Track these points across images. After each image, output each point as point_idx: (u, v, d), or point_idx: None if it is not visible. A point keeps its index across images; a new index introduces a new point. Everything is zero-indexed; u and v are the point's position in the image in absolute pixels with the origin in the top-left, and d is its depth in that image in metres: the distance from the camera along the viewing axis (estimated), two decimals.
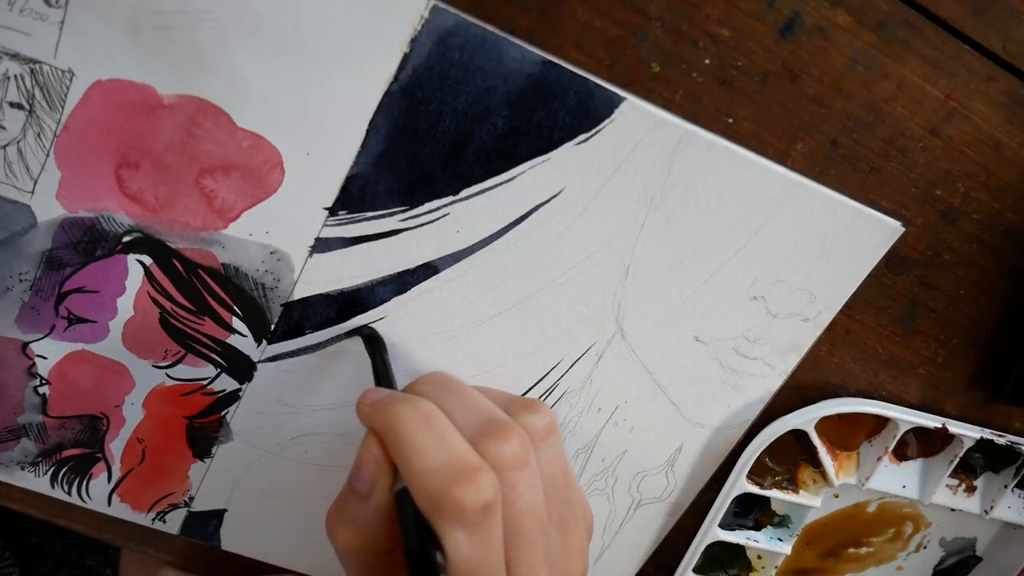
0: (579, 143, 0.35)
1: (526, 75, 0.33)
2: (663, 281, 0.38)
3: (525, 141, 0.34)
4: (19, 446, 0.37)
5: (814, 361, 0.42)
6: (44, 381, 0.36)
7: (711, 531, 0.45)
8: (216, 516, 0.40)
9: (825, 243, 0.39)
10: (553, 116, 0.34)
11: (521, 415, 0.31)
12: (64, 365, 0.36)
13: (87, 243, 0.34)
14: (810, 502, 0.45)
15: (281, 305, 0.36)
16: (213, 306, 0.36)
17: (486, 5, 0.32)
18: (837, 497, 0.48)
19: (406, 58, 0.32)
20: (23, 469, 0.38)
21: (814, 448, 0.44)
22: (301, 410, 0.38)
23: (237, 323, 0.36)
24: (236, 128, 0.32)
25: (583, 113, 0.34)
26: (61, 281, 0.34)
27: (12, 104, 0.31)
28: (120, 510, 0.39)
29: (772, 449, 0.43)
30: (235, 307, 0.36)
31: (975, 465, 0.48)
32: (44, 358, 0.36)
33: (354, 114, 0.33)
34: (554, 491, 0.31)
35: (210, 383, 0.37)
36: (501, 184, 0.35)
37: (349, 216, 0.35)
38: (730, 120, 0.36)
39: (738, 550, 0.48)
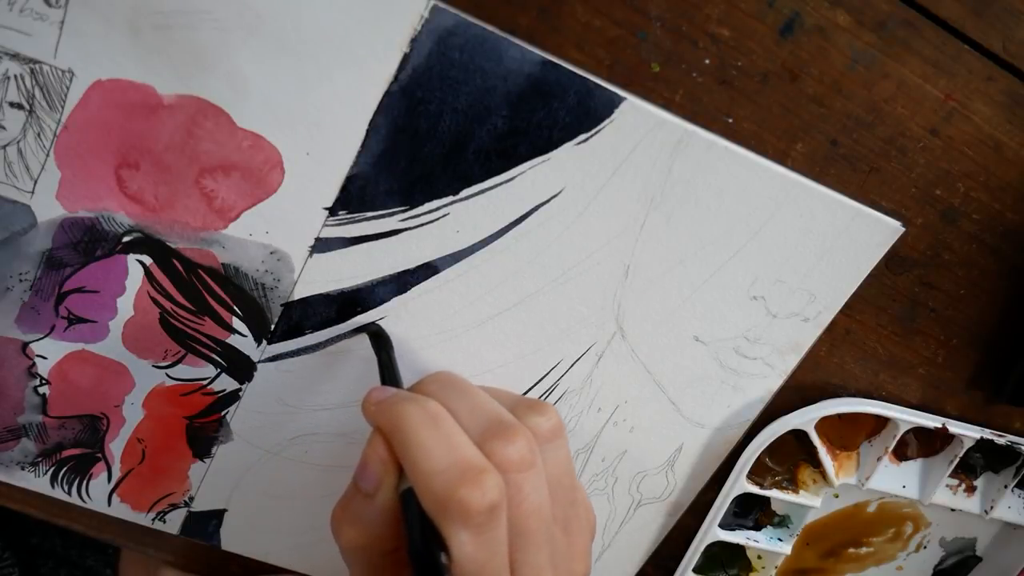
0: (579, 143, 0.35)
1: (526, 75, 0.33)
2: (663, 281, 0.38)
3: (525, 141, 0.34)
4: (19, 446, 0.37)
5: (814, 361, 0.42)
6: (44, 381, 0.36)
7: (711, 531, 0.45)
8: (216, 516, 0.40)
9: (825, 243, 0.39)
10: (553, 116, 0.34)
11: (527, 416, 0.31)
12: (64, 365, 0.36)
13: (87, 243, 0.34)
14: (810, 502, 0.45)
15: (281, 305, 0.36)
16: (213, 306, 0.36)
17: (486, 5, 0.32)
18: (837, 497, 0.48)
19: (406, 58, 0.32)
20: (23, 469, 0.38)
21: (814, 448, 0.44)
22: (301, 410, 0.38)
23: (237, 323, 0.36)
24: (236, 128, 0.32)
25: (583, 113, 0.34)
26: (61, 281, 0.34)
27: (12, 104, 0.31)
28: (120, 510, 0.39)
29: (772, 449, 0.43)
30: (235, 307, 0.36)
31: (975, 465, 0.48)
32: (44, 358, 0.36)
33: (354, 114, 0.33)
34: (559, 492, 0.31)
35: (210, 383, 0.37)
36: (501, 184, 0.35)
37: (349, 216, 0.35)
38: (730, 120, 0.36)
39: (738, 550, 0.48)
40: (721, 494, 0.44)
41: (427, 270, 0.36)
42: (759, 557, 0.48)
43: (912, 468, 0.47)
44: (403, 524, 0.29)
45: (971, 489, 0.48)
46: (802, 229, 0.38)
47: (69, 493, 0.39)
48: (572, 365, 0.40)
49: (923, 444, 0.47)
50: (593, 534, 0.34)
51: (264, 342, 0.37)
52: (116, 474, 0.39)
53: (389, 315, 0.37)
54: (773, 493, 0.45)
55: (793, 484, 0.46)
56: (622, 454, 0.43)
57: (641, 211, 0.37)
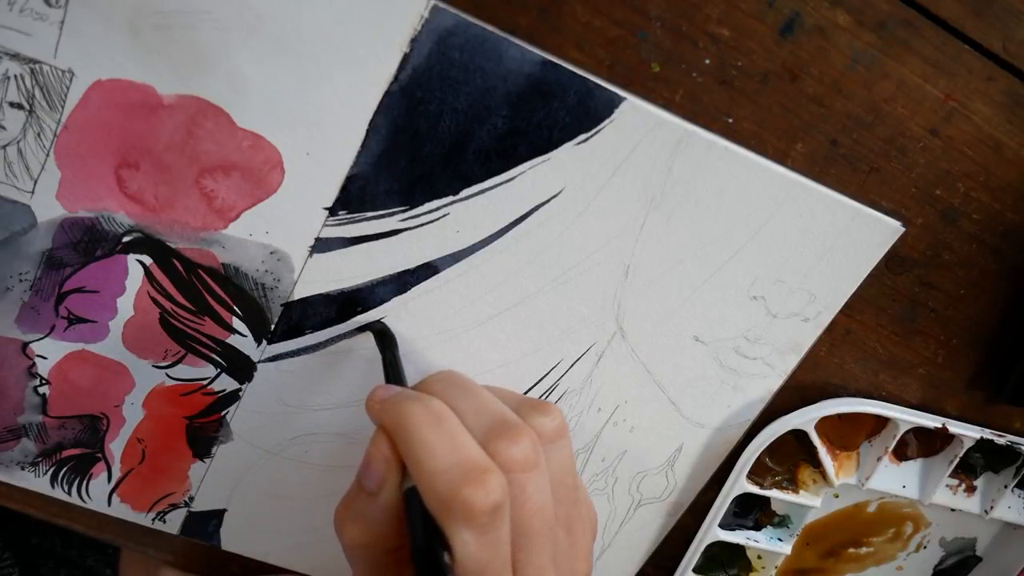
0: (579, 143, 0.35)
1: (526, 75, 0.33)
2: (663, 281, 0.38)
3: (525, 141, 0.34)
4: (19, 446, 0.37)
5: (814, 361, 0.42)
6: (44, 381, 0.36)
7: (711, 531, 0.45)
8: (216, 516, 0.40)
9: (825, 243, 0.39)
10: (553, 116, 0.34)
11: (531, 416, 0.31)
12: (64, 365, 0.36)
13: (87, 243, 0.34)
14: (810, 502, 0.45)
15: (281, 305, 0.36)
16: (213, 306, 0.36)
17: (486, 5, 0.32)
18: (837, 497, 0.48)
19: (406, 58, 0.32)
20: (23, 469, 0.38)
21: (814, 448, 0.44)
22: (301, 410, 0.38)
23: (237, 323, 0.36)
24: (236, 128, 0.32)
25: (583, 113, 0.34)
26: (61, 281, 0.34)
27: (12, 104, 0.31)
28: (120, 510, 0.39)
29: (772, 449, 0.43)
30: (235, 307, 0.36)
31: (975, 465, 0.48)
32: (44, 358, 0.36)
33: (354, 114, 0.33)
34: (562, 492, 0.31)
35: (210, 383, 0.37)
36: (501, 184, 0.35)
37: (349, 216, 0.35)
38: (730, 120, 0.36)
39: (738, 550, 0.48)
40: (721, 494, 0.44)
41: (427, 270, 0.36)
42: (759, 557, 0.48)
43: (912, 468, 0.47)
44: (406, 523, 0.29)
45: (971, 489, 0.48)
46: (802, 229, 0.38)
47: (69, 493, 0.39)
48: (572, 365, 0.40)
49: (923, 444, 0.47)
50: (595, 534, 0.34)
51: (264, 342, 0.37)
52: (116, 474, 0.39)
53: (389, 315, 0.37)
54: (773, 493, 0.45)
55: (793, 484, 0.46)
56: (622, 454, 0.43)
57: (641, 211, 0.37)
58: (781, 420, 0.43)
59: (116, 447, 0.38)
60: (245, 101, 0.32)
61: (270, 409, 0.38)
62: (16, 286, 0.34)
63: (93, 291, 0.35)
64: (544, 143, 0.34)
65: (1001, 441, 0.46)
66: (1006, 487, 0.48)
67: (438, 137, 0.34)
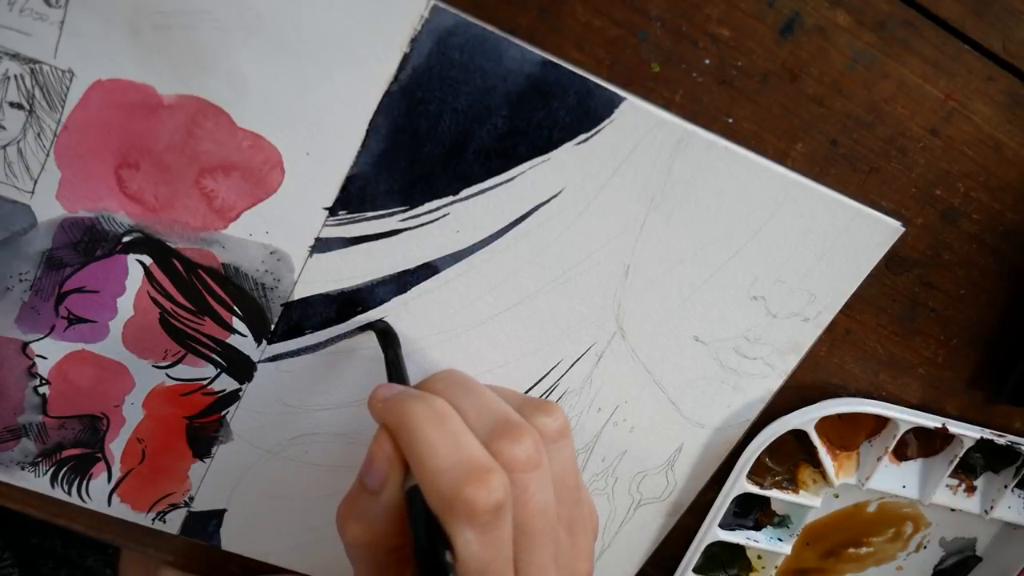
0: (579, 143, 0.35)
1: (526, 75, 0.33)
2: (663, 281, 0.38)
3: (525, 141, 0.34)
4: (19, 446, 0.37)
5: (814, 361, 0.42)
6: (44, 381, 0.36)
7: (711, 531, 0.45)
8: (216, 516, 0.40)
9: (825, 243, 0.39)
10: (553, 116, 0.34)
11: (534, 416, 0.31)
12: (64, 365, 0.36)
13: (87, 243, 0.34)
14: (810, 502, 0.45)
15: (281, 305, 0.36)
16: (213, 306, 0.36)
17: (486, 5, 0.32)
18: (837, 497, 0.48)
19: (406, 58, 0.32)
20: (23, 469, 0.38)
21: (814, 448, 0.44)
22: (301, 410, 0.38)
23: (237, 323, 0.36)
24: (236, 128, 0.32)
25: (583, 113, 0.34)
26: (61, 281, 0.34)
27: (12, 104, 0.31)
28: (120, 510, 0.39)
29: (772, 449, 0.43)
30: (235, 307, 0.36)
31: (975, 465, 0.48)
32: (44, 358, 0.36)
33: (354, 114, 0.33)
34: (564, 492, 0.31)
35: (210, 383, 0.37)
36: (501, 184, 0.35)
37: (349, 216, 0.35)
38: (730, 120, 0.36)
39: (738, 550, 0.48)
40: (721, 494, 0.44)
41: (427, 270, 0.36)
42: (759, 557, 0.48)
43: (912, 468, 0.47)
44: (408, 522, 0.29)
45: (971, 489, 0.48)
46: (802, 229, 0.38)
47: (69, 493, 0.39)
48: (572, 365, 0.40)
49: (923, 444, 0.47)
50: (596, 534, 0.34)
51: (264, 342, 0.37)
52: (116, 474, 0.39)
53: (389, 315, 0.37)
54: (773, 493, 0.45)
55: (793, 484, 0.46)
56: (622, 454, 0.43)
57: (641, 211, 0.37)
58: (781, 420, 0.43)
59: (116, 447, 0.38)
60: (245, 101, 0.32)
61: (270, 409, 0.38)
62: (16, 286, 0.34)
63: (93, 291, 0.35)
64: (544, 143, 0.34)
65: (1001, 441, 0.46)
66: (1006, 487, 0.48)
67: (438, 137, 0.34)
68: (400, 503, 0.29)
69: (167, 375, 0.37)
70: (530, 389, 0.40)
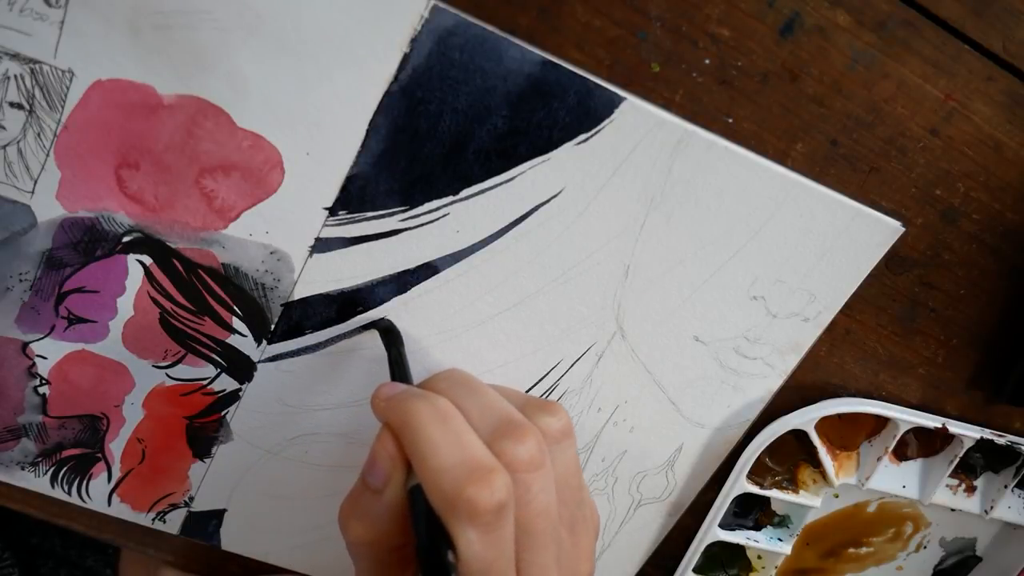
0: (579, 143, 0.35)
1: (526, 75, 0.33)
2: (663, 281, 0.38)
3: (525, 141, 0.34)
4: (19, 446, 0.37)
5: (814, 361, 0.42)
6: (44, 381, 0.36)
7: (711, 531, 0.45)
8: (216, 516, 0.40)
9: (825, 243, 0.39)
10: (553, 116, 0.34)
11: (538, 416, 0.31)
12: (64, 365, 0.36)
13: (87, 243, 0.34)
14: (810, 502, 0.45)
15: (281, 305, 0.36)
16: (213, 306, 0.36)
17: (486, 5, 0.32)
18: (837, 497, 0.48)
19: (406, 58, 0.32)
20: (23, 469, 0.38)
21: (814, 448, 0.44)
22: (301, 410, 0.38)
23: (237, 323, 0.36)
24: (236, 128, 0.32)
25: (583, 113, 0.34)
26: (61, 281, 0.34)
27: (12, 104, 0.31)
28: (120, 510, 0.39)
29: (772, 449, 0.43)
30: (235, 307, 0.36)
31: (975, 465, 0.48)
32: (44, 358, 0.36)
33: (354, 114, 0.33)
34: (567, 493, 0.31)
35: (210, 383, 0.37)
36: (501, 184, 0.35)
37: (349, 216, 0.35)
38: (730, 120, 0.36)
39: (738, 550, 0.48)
40: (721, 494, 0.44)
41: (427, 270, 0.36)
42: (759, 557, 0.48)
43: (912, 468, 0.47)
44: (410, 521, 0.29)
45: (971, 489, 0.48)
46: (802, 229, 0.38)
47: (69, 493, 0.39)
48: (572, 365, 0.40)
49: (923, 444, 0.47)
50: (598, 534, 0.34)
51: (264, 342, 0.37)
52: (116, 474, 0.39)
53: (389, 315, 0.37)
54: (773, 493, 0.45)
55: (793, 484, 0.46)
56: (622, 454, 0.43)
57: (641, 211, 0.37)
58: (781, 420, 0.43)
59: (116, 447, 0.38)
60: (245, 101, 0.32)
61: (270, 409, 0.38)
62: (16, 286, 0.34)
63: (93, 291, 0.35)
64: (544, 143, 0.34)
65: (1001, 441, 0.46)
66: (1006, 487, 0.48)
67: (438, 137, 0.34)
68: (403, 502, 0.29)
69: (167, 375, 0.37)
70: (530, 389, 0.40)
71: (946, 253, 0.41)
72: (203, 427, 0.38)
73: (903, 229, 0.39)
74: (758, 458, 0.43)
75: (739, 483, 0.43)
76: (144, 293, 0.35)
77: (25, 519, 0.41)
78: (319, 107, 0.32)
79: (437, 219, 0.35)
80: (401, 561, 0.30)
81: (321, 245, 0.35)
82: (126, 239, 0.34)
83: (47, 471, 0.38)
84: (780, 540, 0.47)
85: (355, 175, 0.34)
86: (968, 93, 0.37)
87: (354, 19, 0.31)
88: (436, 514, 0.27)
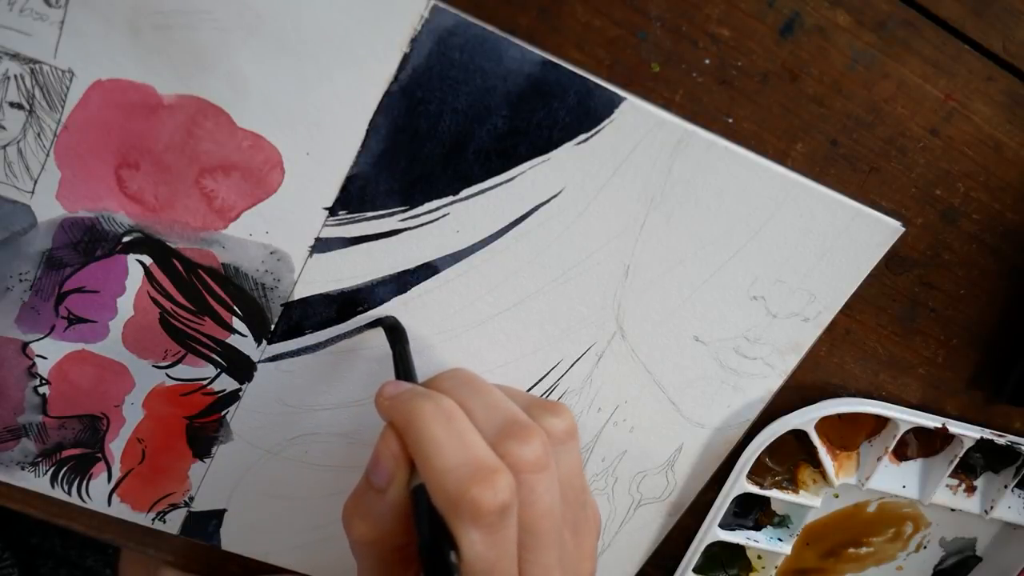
0: (579, 143, 0.35)
1: (526, 75, 0.33)
2: (663, 281, 0.38)
3: (525, 141, 0.34)
4: (19, 446, 0.37)
5: (814, 361, 0.42)
6: (44, 381, 0.36)
7: (711, 531, 0.45)
8: (216, 516, 0.40)
9: (825, 243, 0.39)
10: (553, 116, 0.34)
11: (542, 417, 0.31)
12: (64, 365, 0.36)
13: (87, 243, 0.34)
14: (810, 502, 0.45)
15: (281, 305, 0.36)
16: (213, 306, 0.36)
17: (486, 5, 0.32)
18: (837, 497, 0.48)
19: (406, 58, 0.32)
20: (23, 469, 0.38)
21: (814, 448, 0.44)
22: (301, 410, 0.38)
23: (237, 323, 0.36)
24: (236, 128, 0.32)
25: (583, 113, 0.34)
26: (61, 281, 0.34)
27: (12, 104, 0.31)
28: (120, 510, 0.39)
29: (772, 449, 0.43)
30: (235, 307, 0.36)
31: (975, 465, 0.48)
32: (44, 358, 0.36)
33: (354, 114, 0.33)
34: (570, 494, 0.31)
35: (210, 383, 0.37)
36: (501, 184, 0.35)
37: (349, 216, 0.35)
38: (730, 120, 0.36)
39: (738, 550, 0.48)
40: (721, 494, 0.44)
41: (427, 270, 0.36)
42: (759, 557, 0.48)
43: (912, 468, 0.47)
44: (414, 520, 0.29)
45: (971, 489, 0.48)
46: (802, 229, 0.38)
47: (69, 493, 0.39)
48: (572, 365, 0.40)
49: (923, 444, 0.47)
50: (599, 534, 0.34)
51: (264, 342, 0.37)
52: (116, 474, 0.39)
53: (389, 315, 0.37)
54: (773, 493, 0.45)
55: (793, 484, 0.46)
56: (622, 454, 0.43)
57: (641, 211, 0.37)
58: (781, 420, 0.43)
59: (116, 447, 0.38)
60: (245, 101, 0.32)
61: (270, 409, 0.38)
62: (16, 286, 0.34)
63: (93, 291, 0.35)
64: (544, 143, 0.34)
65: (1001, 441, 0.46)
66: (1006, 487, 0.48)
67: (438, 137, 0.34)
68: (406, 501, 0.29)
69: (167, 375, 0.37)
70: (530, 389, 0.40)
71: (946, 253, 0.41)
72: (203, 427, 0.38)
73: (903, 229, 0.39)
74: (758, 458, 0.43)
75: (739, 483, 0.43)
76: (144, 293, 0.35)
77: (25, 519, 0.41)
78: (319, 107, 0.32)
79: (437, 219, 0.35)
80: (404, 560, 0.30)
81: (321, 245, 0.35)
82: (126, 239, 0.34)
83: (47, 471, 0.38)
84: (780, 540, 0.47)
85: (355, 175, 0.34)
86: (968, 93, 0.37)
87: (354, 19, 0.31)
88: (439, 514, 0.27)
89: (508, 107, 0.33)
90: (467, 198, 0.35)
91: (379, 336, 0.37)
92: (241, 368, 0.37)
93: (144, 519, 0.40)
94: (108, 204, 0.33)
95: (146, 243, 0.34)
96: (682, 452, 0.43)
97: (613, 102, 0.34)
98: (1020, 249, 0.41)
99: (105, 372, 0.36)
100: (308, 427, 0.39)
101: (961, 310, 0.43)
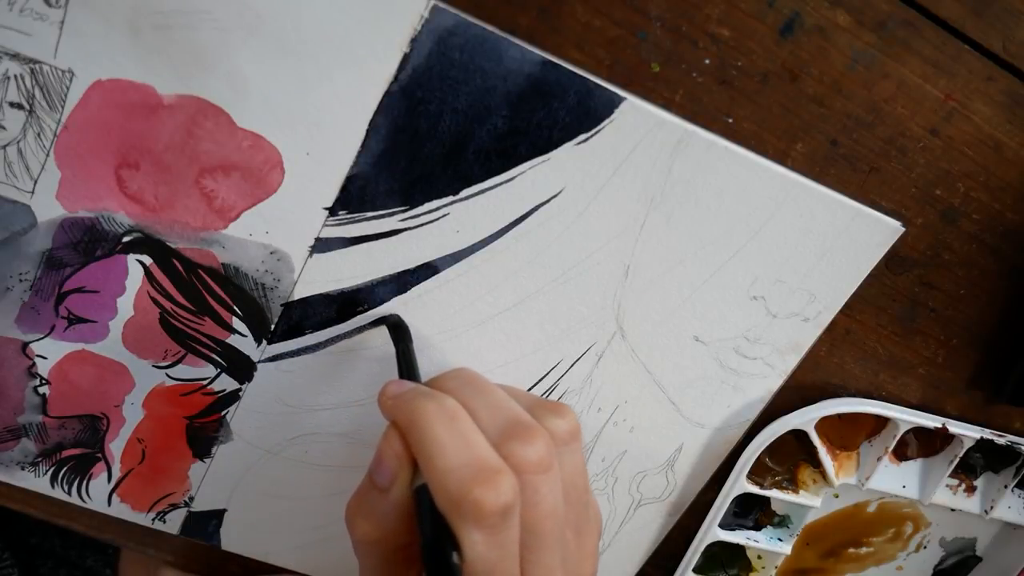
0: (579, 143, 0.35)
1: (526, 75, 0.33)
2: (663, 281, 0.38)
3: (525, 141, 0.34)
4: (19, 446, 0.37)
5: (814, 361, 0.42)
6: (44, 381, 0.36)
7: (711, 531, 0.45)
8: (216, 516, 0.40)
9: (825, 243, 0.39)
10: (553, 116, 0.34)
11: (546, 418, 0.30)
12: (64, 365, 0.36)
13: (87, 243, 0.34)
14: (810, 502, 0.45)
15: (281, 305, 0.36)
16: (213, 306, 0.36)
17: (486, 5, 0.32)
18: (837, 497, 0.48)
19: (406, 58, 0.32)
20: (23, 469, 0.38)
21: (814, 448, 0.44)
22: (301, 410, 0.38)
23: (237, 323, 0.36)
24: (236, 128, 0.32)
25: (583, 113, 0.34)
26: (61, 281, 0.34)
27: (12, 104, 0.31)
28: (120, 510, 0.39)
29: (772, 449, 0.43)
30: (235, 307, 0.36)
31: (975, 465, 0.48)
32: (44, 358, 0.36)
33: (354, 114, 0.33)
34: (573, 495, 0.31)
35: (210, 383, 0.37)
36: (501, 184, 0.35)
37: (349, 216, 0.35)
38: (730, 120, 0.36)
39: (738, 550, 0.48)
40: (721, 494, 0.44)
41: (427, 270, 0.36)
42: (759, 557, 0.48)
43: (912, 468, 0.47)
44: (416, 520, 0.29)
45: (971, 489, 0.48)
46: (802, 229, 0.38)
47: (69, 493, 0.39)
48: (572, 365, 0.40)
49: (923, 444, 0.47)
50: (600, 534, 0.34)
51: (264, 342, 0.37)
52: (116, 474, 0.39)
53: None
54: (773, 493, 0.45)
55: (793, 484, 0.46)
56: (622, 454, 0.43)
57: (641, 211, 0.37)
58: (781, 420, 0.43)
59: (116, 447, 0.38)
60: (245, 101, 0.32)
61: (270, 409, 0.38)
62: (16, 286, 0.34)
63: (93, 291, 0.35)
64: (544, 143, 0.34)
65: (1001, 441, 0.46)
66: (1006, 487, 0.48)
67: (438, 137, 0.34)
68: (408, 501, 0.29)
69: (167, 375, 0.37)
70: (530, 389, 0.40)
71: (946, 253, 0.41)
72: (203, 427, 0.38)
73: (903, 229, 0.39)
74: (758, 458, 0.43)
75: (739, 483, 0.43)
76: (144, 293, 0.35)
77: (25, 519, 0.41)
78: (319, 107, 0.32)
79: (437, 219, 0.35)
80: (406, 560, 0.30)
81: (321, 245, 0.35)
82: (126, 239, 0.34)
83: (47, 471, 0.38)
84: (780, 540, 0.47)
85: (355, 175, 0.34)
86: (968, 93, 0.37)
87: (354, 19, 0.31)
88: (442, 514, 0.27)
89: (508, 107, 0.33)
90: (467, 198, 0.35)
91: (380, 336, 0.37)
92: (241, 368, 0.37)
93: (144, 519, 0.40)
94: (108, 204, 0.33)
95: (146, 243, 0.34)
96: (682, 452, 0.43)
97: (613, 102, 0.34)
98: (1020, 249, 0.41)
99: (105, 372, 0.36)
100: (308, 427, 0.39)
101: (961, 310, 0.43)
